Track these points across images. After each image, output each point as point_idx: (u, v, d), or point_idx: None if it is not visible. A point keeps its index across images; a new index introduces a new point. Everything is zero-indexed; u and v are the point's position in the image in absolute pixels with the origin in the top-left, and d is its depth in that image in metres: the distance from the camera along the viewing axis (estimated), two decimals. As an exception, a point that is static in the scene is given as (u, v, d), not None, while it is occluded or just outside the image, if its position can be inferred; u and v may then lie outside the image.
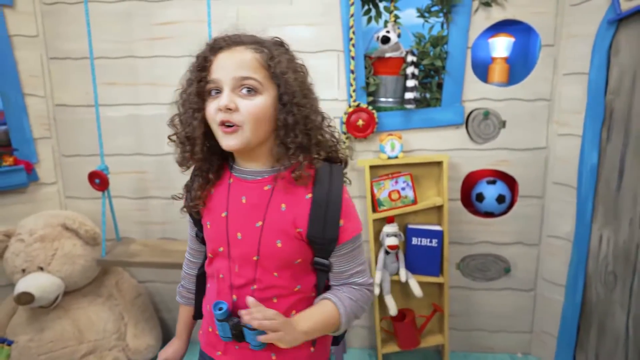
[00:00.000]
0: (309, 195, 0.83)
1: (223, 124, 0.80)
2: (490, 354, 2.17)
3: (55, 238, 1.88)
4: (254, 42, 0.82)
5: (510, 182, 2.05)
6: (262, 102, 0.80)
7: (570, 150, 1.88)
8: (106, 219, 1.94)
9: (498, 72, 1.98)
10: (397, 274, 1.99)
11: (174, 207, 2.10)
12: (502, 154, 1.98)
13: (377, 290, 1.98)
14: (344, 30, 1.91)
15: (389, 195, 1.96)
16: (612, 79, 1.73)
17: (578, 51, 1.81)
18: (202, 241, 0.98)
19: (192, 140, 0.83)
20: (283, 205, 0.84)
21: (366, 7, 1.99)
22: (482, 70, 2.00)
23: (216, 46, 0.81)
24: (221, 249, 0.88)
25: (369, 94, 1.98)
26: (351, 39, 1.88)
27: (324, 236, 0.82)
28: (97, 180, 1.86)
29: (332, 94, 1.98)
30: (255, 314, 0.76)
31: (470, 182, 2.08)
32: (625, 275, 1.74)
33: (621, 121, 1.72)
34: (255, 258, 0.85)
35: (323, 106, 2.12)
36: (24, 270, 1.83)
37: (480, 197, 2.05)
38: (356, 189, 2.05)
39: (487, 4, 1.84)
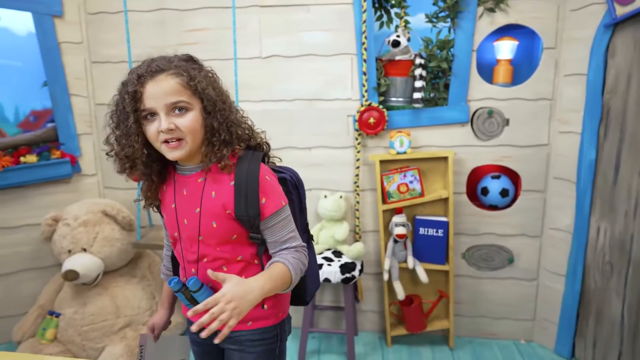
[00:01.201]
0: (232, 182, 0.99)
1: (166, 141, 0.95)
2: (494, 339, 2.29)
3: (97, 223, 2.11)
4: (171, 68, 0.95)
5: (513, 176, 2.17)
6: (194, 116, 0.95)
7: (570, 146, 2.00)
8: (140, 207, 2.16)
9: (502, 73, 2.10)
10: (405, 261, 2.13)
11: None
12: (506, 150, 2.11)
13: (386, 277, 2.13)
14: (357, 35, 2.07)
15: (398, 188, 2.11)
16: (609, 79, 1.84)
17: (577, 53, 1.92)
18: None
19: (134, 159, 0.98)
20: (213, 193, 1.00)
21: (378, 13, 2.15)
22: (488, 72, 2.13)
23: (142, 80, 0.93)
24: (176, 234, 1.07)
25: (380, 94, 2.13)
26: (363, 43, 2.04)
27: (248, 214, 0.98)
28: (133, 172, 2.08)
29: (346, 94, 2.15)
30: (205, 318, 0.82)
31: (475, 177, 2.21)
32: (621, 265, 1.85)
33: (617, 119, 1.82)
34: (199, 238, 1.02)
35: (337, 105, 2.28)
36: (69, 251, 2.06)
37: (485, 191, 2.18)
38: (367, 182, 2.21)
39: (492, 10, 1.97)
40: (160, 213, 1.13)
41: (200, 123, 0.97)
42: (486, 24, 2.00)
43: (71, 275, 1.96)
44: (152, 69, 0.94)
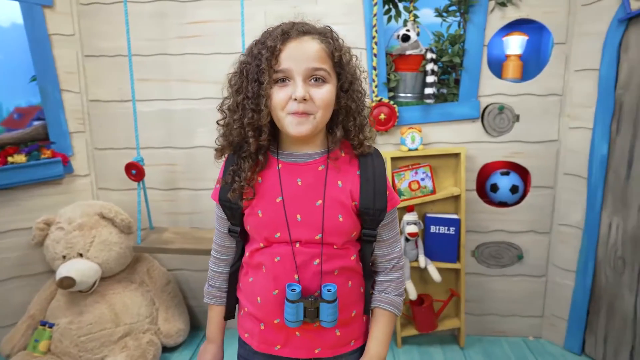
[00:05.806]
0: (359, 172, 0.90)
1: (296, 113, 0.83)
2: (503, 337, 2.28)
3: (93, 226, 1.98)
4: (318, 32, 0.86)
5: (523, 173, 2.16)
6: (330, 90, 0.84)
7: (581, 142, 1.99)
8: (141, 208, 2.04)
9: (512, 68, 2.08)
10: (417, 260, 2.09)
11: (201, 197, 2.21)
12: (516, 147, 2.09)
13: (397, 276, 2.08)
14: (366, 28, 2.01)
15: (409, 185, 2.06)
16: (622, 74, 1.84)
17: (589, 48, 1.91)
18: (236, 236, 0.97)
19: (259, 128, 0.85)
20: (339, 182, 0.89)
21: (387, 7, 2.10)
22: (497, 67, 2.11)
23: (285, 36, 0.83)
24: (278, 234, 0.88)
25: (389, 90, 2.08)
26: (374, 37, 1.99)
27: (374, 207, 0.89)
28: (133, 171, 1.96)
29: (355, 89, 2.08)
30: None
31: (485, 174, 2.19)
32: (634, 260, 1.85)
33: (630, 114, 1.82)
34: (318, 237, 0.88)
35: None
36: (64, 257, 1.93)
37: (494, 188, 2.16)
38: (377, 180, 2.15)
39: (503, 4, 1.95)
40: (230, 215, 0.93)
41: (334, 101, 0.87)
42: (497, 19, 1.98)
43: (67, 283, 1.84)
44: (297, 28, 0.85)
